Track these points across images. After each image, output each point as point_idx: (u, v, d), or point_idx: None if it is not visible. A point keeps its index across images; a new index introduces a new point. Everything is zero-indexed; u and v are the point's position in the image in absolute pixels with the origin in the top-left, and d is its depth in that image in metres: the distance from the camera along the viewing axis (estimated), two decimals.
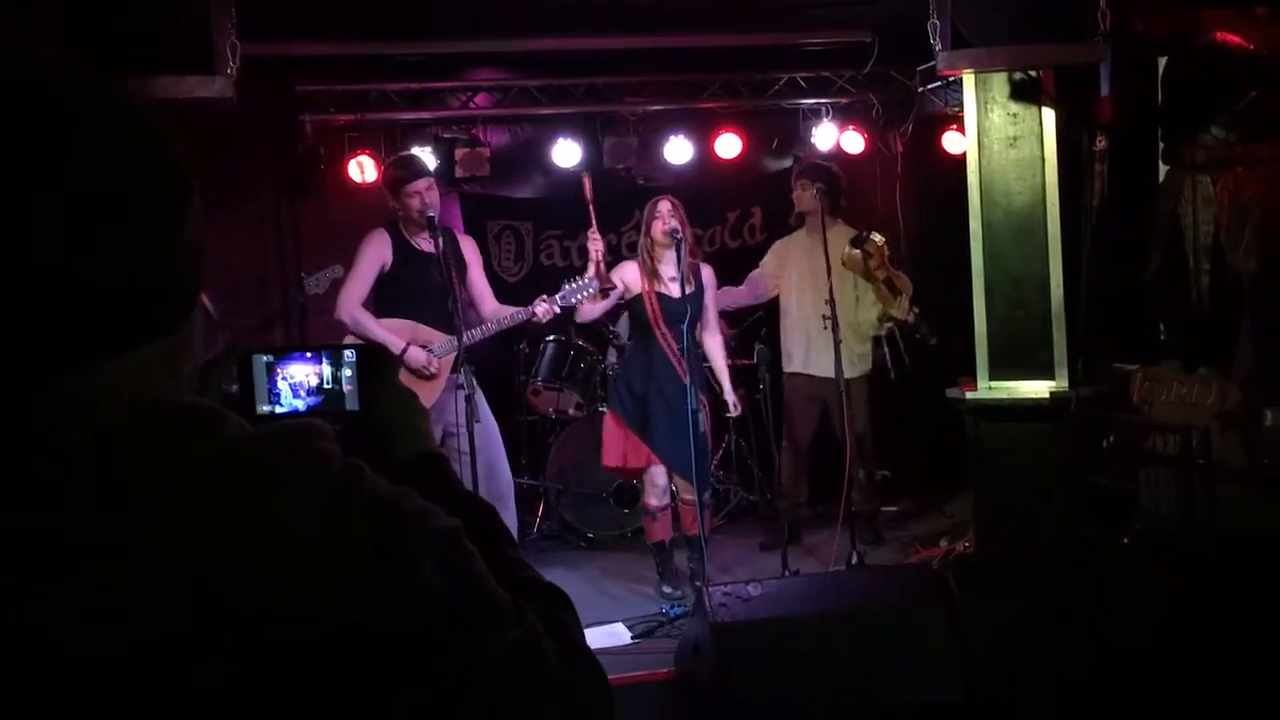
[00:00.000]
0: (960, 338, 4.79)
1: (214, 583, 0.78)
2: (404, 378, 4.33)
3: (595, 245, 4.85)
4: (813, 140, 7.36)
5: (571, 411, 6.43)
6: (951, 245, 4.89)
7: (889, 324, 5.48)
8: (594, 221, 4.90)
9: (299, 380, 1.20)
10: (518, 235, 7.45)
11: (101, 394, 0.81)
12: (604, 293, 4.86)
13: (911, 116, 7.13)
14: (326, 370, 1.20)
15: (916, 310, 5.59)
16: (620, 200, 7.45)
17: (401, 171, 4.73)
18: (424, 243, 4.63)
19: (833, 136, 7.33)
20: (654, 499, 5.10)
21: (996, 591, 4.02)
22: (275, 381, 1.20)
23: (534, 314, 4.66)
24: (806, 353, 5.78)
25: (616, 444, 5.10)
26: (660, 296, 4.96)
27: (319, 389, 1.20)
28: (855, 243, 5.54)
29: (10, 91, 0.80)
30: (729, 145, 7.29)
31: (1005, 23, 3.80)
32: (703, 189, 7.46)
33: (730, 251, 7.47)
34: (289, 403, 1.20)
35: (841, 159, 7.36)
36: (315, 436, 0.87)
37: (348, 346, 1.21)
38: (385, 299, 4.72)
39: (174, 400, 0.85)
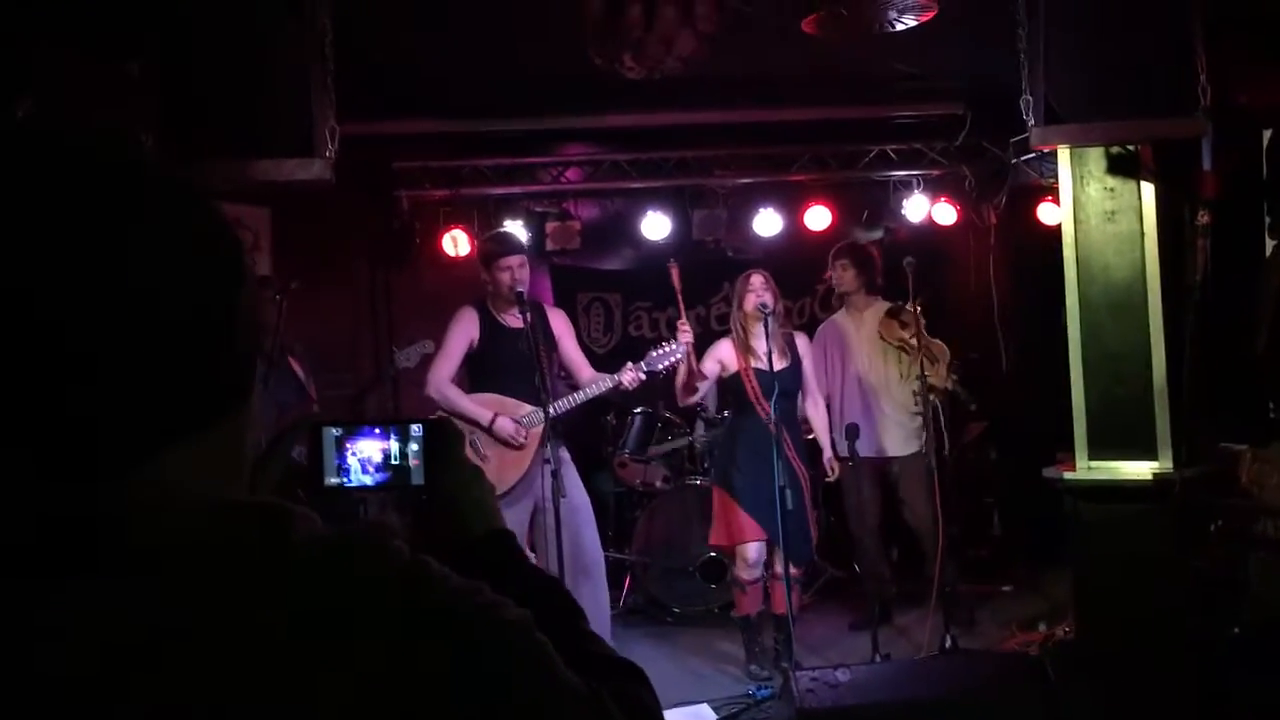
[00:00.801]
0: (1055, 413, 4.63)
1: (293, 683, 0.78)
2: (493, 449, 4.39)
3: (685, 338, 4.81)
4: (904, 212, 7.32)
5: (659, 484, 6.39)
6: (1046, 319, 4.78)
7: (930, 395, 5.34)
8: (682, 312, 4.90)
9: (367, 455, 1.19)
10: (607, 307, 7.50)
11: (165, 492, 0.80)
12: (694, 388, 4.86)
13: (1005, 188, 7.05)
14: (394, 446, 1.19)
15: (955, 377, 5.57)
16: (709, 273, 7.48)
17: (496, 246, 4.80)
18: (511, 319, 4.68)
19: (924, 208, 7.28)
20: (745, 573, 5.01)
21: (1098, 681, 3.84)
22: (345, 456, 1.20)
23: (620, 382, 4.65)
24: (875, 434, 5.65)
25: (721, 519, 5.05)
26: (758, 373, 4.94)
27: (386, 464, 1.19)
28: (891, 313, 5.54)
29: (84, 159, 0.80)
30: (819, 217, 7.28)
31: (1101, 96, 3.71)
32: (792, 260, 7.43)
33: (820, 323, 7.40)
34: (357, 478, 1.19)
35: (933, 231, 7.32)
36: (383, 536, 0.86)
37: (415, 421, 1.20)
38: (475, 374, 4.77)
39: (240, 501, 0.85)
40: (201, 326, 0.81)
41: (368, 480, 1.19)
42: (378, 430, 1.19)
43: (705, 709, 4.51)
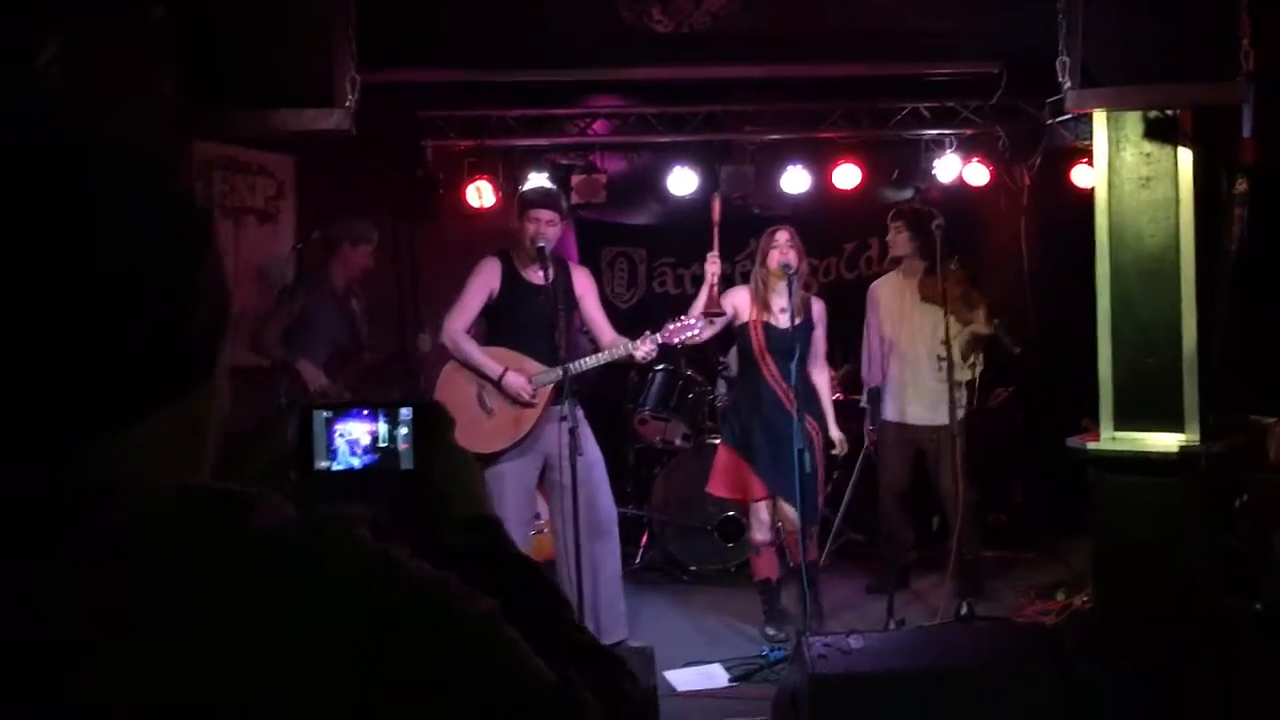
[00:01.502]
0: (1083, 380, 4.55)
1: (245, 672, 0.76)
2: (500, 403, 4.37)
3: (713, 268, 4.75)
4: (935, 172, 7.18)
5: (678, 442, 6.37)
6: (1079, 283, 4.67)
7: (975, 351, 5.26)
8: (716, 244, 4.80)
9: (355, 438, 1.17)
10: (631, 262, 7.45)
11: (122, 474, 0.78)
12: (711, 320, 4.79)
13: (1040, 149, 6.89)
14: (383, 429, 1.16)
15: (997, 320, 5.51)
16: (736, 229, 7.34)
17: (534, 195, 4.76)
18: (534, 274, 4.61)
19: (956, 168, 7.15)
20: (759, 534, 5.00)
21: (1115, 655, 3.81)
22: (333, 438, 1.17)
23: (633, 353, 4.59)
24: (901, 400, 5.58)
25: (724, 474, 5.05)
26: (767, 327, 4.88)
27: (374, 447, 1.17)
28: (929, 271, 5.46)
29: (33, 139, 0.78)
30: (848, 176, 7.17)
31: (1139, 60, 3.60)
32: (820, 219, 7.35)
33: (846, 283, 7.34)
34: (345, 460, 1.17)
35: (965, 192, 7.20)
36: (347, 525, 0.84)
37: (405, 404, 1.17)
38: (492, 327, 4.73)
39: (200, 486, 0.83)
40: (159, 299, 0.79)
41: (355, 463, 1.16)
42: (366, 412, 1.16)
43: (717, 669, 4.51)
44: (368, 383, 5.41)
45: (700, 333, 4.67)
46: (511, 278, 4.67)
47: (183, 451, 0.83)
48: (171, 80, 3.41)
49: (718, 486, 5.08)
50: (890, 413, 5.57)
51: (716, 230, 4.83)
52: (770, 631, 4.99)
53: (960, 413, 5.20)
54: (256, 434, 1.15)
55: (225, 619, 0.76)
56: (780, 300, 4.83)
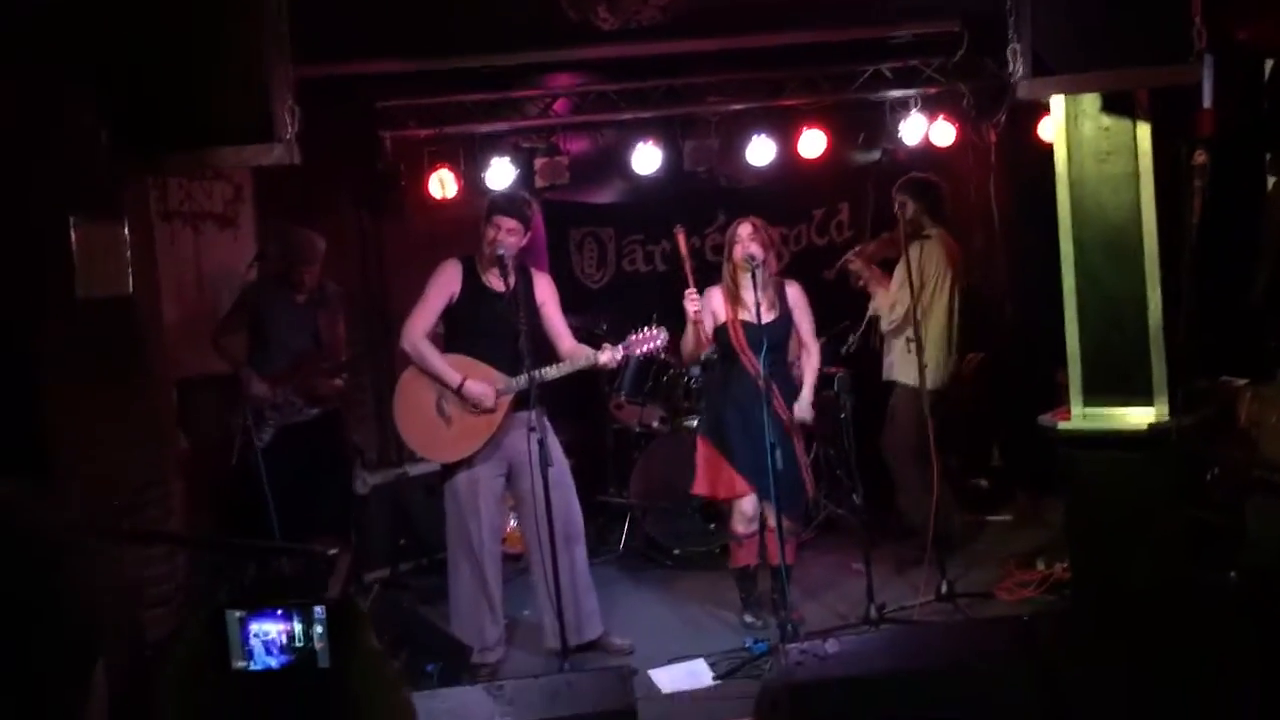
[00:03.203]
0: (1057, 338, 4.48)
1: None
2: (458, 410, 4.35)
3: (692, 306, 4.76)
4: (900, 134, 7.12)
5: (656, 425, 6.37)
6: (1049, 240, 4.60)
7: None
8: (690, 280, 4.80)
9: (272, 638, 1.15)
10: (600, 242, 7.39)
11: None
12: (694, 357, 5.02)
13: (1005, 106, 6.81)
14: (297, 628, 1.15)
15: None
16: (703, 200, 7.34)
17: (501, 201, 4.71)
18: (496, 280, 4.58)
19: (921, 128, 7.08)
20: (741, 526, 4.98)
21: (1092, 642, 3.84)
22: (249, 637, 1.15)
23: (597, 361, 4.61)
24: (896, 360, 5.71)
25: (706, 472, 5.02)
26: (744, 324, 4.86)
27: (290, 646, 1.15)
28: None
29: None
30: (813, 142, 7.10)
31: (1091, 44, 3.55)
32: (788, 187, 7.31)
33: (818, 249, 7.29)
34: (262, 660, 1.15)
35: (931, 152, 7.14)
36: None
37: (319, 603, 1.15)
38: (451, 333, 4.69)
39: None
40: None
41: (272, 663, 1.15)
42: (280, 611, 1.14)
43: (701, 665, 4.54)
44: (324, 392, 5.35)
45: (664, 345, 4.70)
46: (473, 282, 4.64)
47: None
48: (105, 123, 3.34)
49: (702, 486, 5.05)
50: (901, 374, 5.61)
51: (689, 265, 4.84)
52: (748, 619, 5.00)
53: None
54: (173, 640, 1.14)
55: None
56: (749, 294, 4.80)
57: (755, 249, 4.75)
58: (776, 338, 4.80)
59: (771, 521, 4.75)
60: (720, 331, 4.93)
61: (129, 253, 4.06)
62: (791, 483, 4.76)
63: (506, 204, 4.66)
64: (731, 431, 4.87)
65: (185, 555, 4.49)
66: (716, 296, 4.97)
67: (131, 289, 4.08)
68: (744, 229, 4.84)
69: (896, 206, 5.62)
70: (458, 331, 4.66)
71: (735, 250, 4.83)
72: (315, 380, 5.28)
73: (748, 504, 4.90)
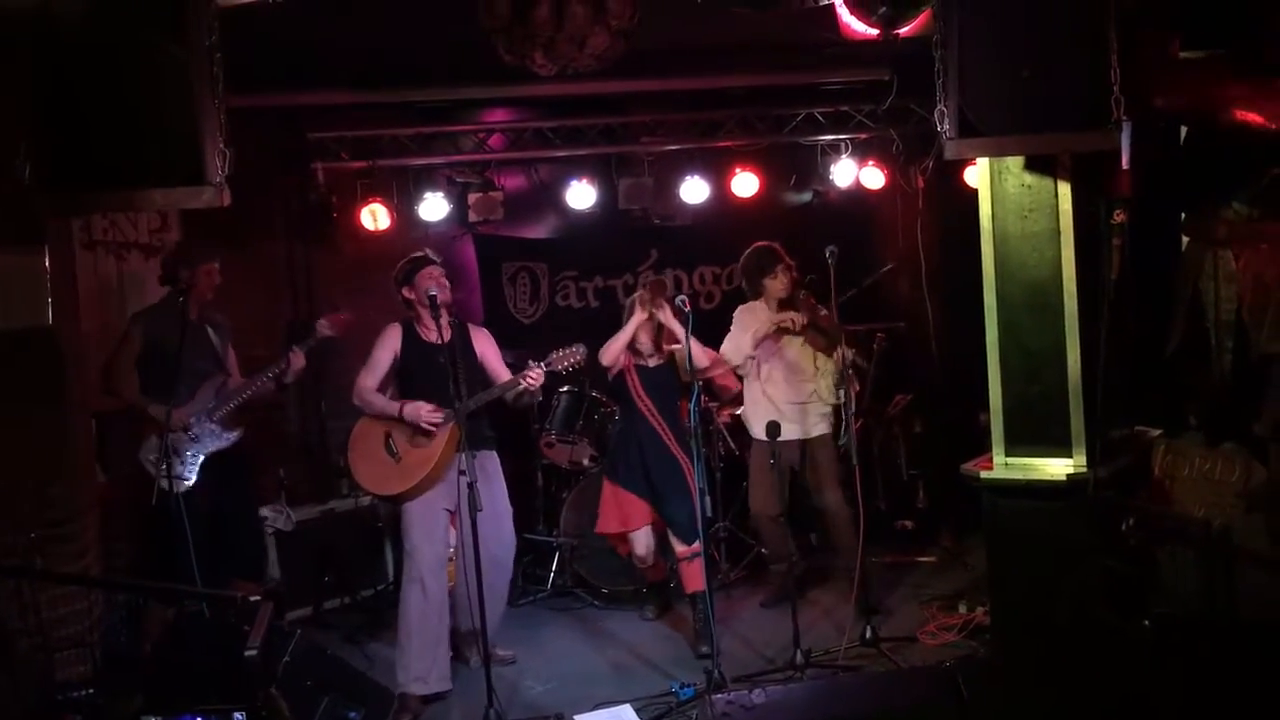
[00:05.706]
0: (983, 381, 4.55)
1: None
2: (407, 445, 4.49)
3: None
4: (832, 176, 7.26)
5: (586, 463, 6.37)
6: (975, 285, 4.70)
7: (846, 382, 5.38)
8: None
9: None
10: (533, 276, 7.41)
11: None
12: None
13: (933, 152, 6.96)
14: None
15: (852, 349, 5.76)
16: (636, 239, 7.41)
17: (411, 264, 4.97)
18: (430, 333, 4.90)
19: (852, 172, 7.24)
20: (640, 550, 5.47)
21: (1012, 688, 3.92)
22: None
23: (523, 382, 4.87)
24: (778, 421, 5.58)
25: (608, 510, 5.49)
26: (638, 369, 5.38)
27: None
28: (786, 304, 5.65)
29: None
30: (746, 184, 7.21)
31: (1015, 109, 3.65)
32: (720, 227, 7.38)
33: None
34: None
35: (862, 194, 7.28)
36: None
37: (238, 709, 1.14)
38: (400, 386, 5.04)
39: None
40: None
41: None
42: (198, 719, 1.13)
43: (628, 710, 4.52)
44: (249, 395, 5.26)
45: (582, 359, 4.97)
46: (412, 340, 5.00)
47: None
48: (28, 158, 3.28)
49: (607, 524, 5.50)
50: (760, 432, 5.59)
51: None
52: (704, 649, 4.95)
53: (842, 435, 5.38)
54: None
55: None
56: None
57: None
58: (665, 379, 5.40)
59: (679, 550, 5.26)
60: (618, 379, 5.44)
61: (49, 282, 4.00)
62: (685, 513, 5.15)
63: (420, 262, 4.97)
64: (628, 470, 5.40)
65: (100, 594, 4.41)
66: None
67: (51, 319, 4.03)
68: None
69: (780, 273, 5.63)
70: (407, 386, 4.99)
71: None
72: (227, 392, 5.17)
73: (641, 537, 5.42)
